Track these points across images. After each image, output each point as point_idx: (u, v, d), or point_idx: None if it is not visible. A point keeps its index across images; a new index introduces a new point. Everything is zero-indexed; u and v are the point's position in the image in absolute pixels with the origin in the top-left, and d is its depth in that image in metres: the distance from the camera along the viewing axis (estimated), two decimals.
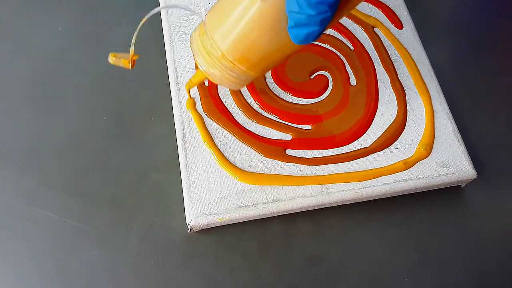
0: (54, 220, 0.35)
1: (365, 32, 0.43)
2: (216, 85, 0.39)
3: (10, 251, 0.34)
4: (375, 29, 0.43)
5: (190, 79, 0.35)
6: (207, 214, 0.34)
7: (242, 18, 0.27)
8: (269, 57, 0.29)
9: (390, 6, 0.45)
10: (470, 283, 0.36)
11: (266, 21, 0.27)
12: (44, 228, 0.35)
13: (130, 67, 0.32)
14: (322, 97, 0.40)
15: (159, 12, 0.43)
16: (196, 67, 0.31)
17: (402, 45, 0.43)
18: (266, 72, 0.32)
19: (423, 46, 0.43)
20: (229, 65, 0.30)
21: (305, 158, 0.37)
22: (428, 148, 0.38)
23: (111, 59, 0.31)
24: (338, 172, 0.36)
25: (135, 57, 0.32)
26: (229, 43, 0.29)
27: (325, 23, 0.25)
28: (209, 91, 0.38)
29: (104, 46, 0.43)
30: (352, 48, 0.42)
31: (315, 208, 0.36)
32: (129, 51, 0.41)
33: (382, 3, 0.45)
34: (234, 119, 0.38)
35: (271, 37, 0.28)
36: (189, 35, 0.34)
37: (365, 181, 0.36)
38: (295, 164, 0.36)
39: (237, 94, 0.39)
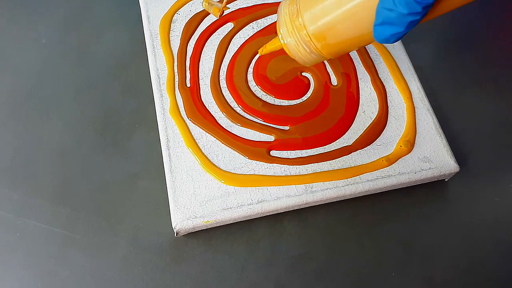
0: (42, 229, 0.35)
1: None
2: (199, 90, 0.40)
3: None
4: None
5: (265, 45, 0.36)
6: (192, 218, 0.34)
7: (335, 2, 0.29)
8: (344, 43, 0.31)
9: None
10: (457, 276, 0.36)
11: (357, 12, 0.28)
12: (33, 238, 0.35)
13: (218, 16, 0.34)
14: (304, 98, 0.40)
15: (141, 21, 0.43)
16: (276, 35, 0.34)
17: (382, 44, 0.43)
18: (336, 56, 0.33)
19: (403, 44, 0.44)
20: (306, 38, 0.31)
21: (289, 158, 0.37)
22: (408, 144, 0.38)
23: (204, 4, 0.34)
24: (322, 171, 0.37)
25: (225, 8, 0.34)
26: (314, 19, 0.30)
27: (411, 26, 0.26)
28: (191, 97, 0.39)
29: (88, 58, 0.43)
30: None
31: (300, 207, 0.36)
32: (116, 64, 0.42)
33: None
34: (218, 122, 0.38)
35: (354, 27, 0.29)
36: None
37: (348, 179, 0.36)
38: (278, 164, 0.37)
39: (220, 99, 0.39)
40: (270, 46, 0.36)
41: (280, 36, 0.33)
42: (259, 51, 0.37)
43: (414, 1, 0.24)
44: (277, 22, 0.33)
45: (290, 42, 0.32)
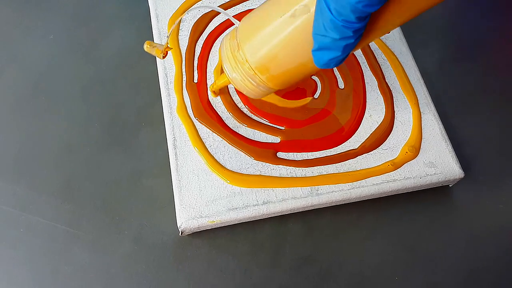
0: (46, 225, 0.35)
1: None
2: (206, 90, 0.40)
3: (2, 257, 0.34)
4: None
5: (215, 81, 0.36)
6: (197, 217, 0.34)
7: (272, 31, 0.28)
8: (289, 73, 0.30)
9: None
10: (460, 281, 0.36)
11: (293, 39, 0.28)
12: (36, 234, 0.35)
13: (162, 58, 0.34)
14: (311, 100, 0.40)
15: (150, 19, 0.43)
16: (222, 71, 0.32)
17: (390, 49, 0.44)
18: (284, 87, 0.32)
19: (410, 50, 0.44)
20: (250, 72, 0.31)
21: (295, 160, 0.37)
22: (414, 150, 0.38)
23: (146, 46, 0.34)
24: (327, 174, 0.37)
25: (168, 49, 0.33)
26: (253, 51, 0.30)
27: (348, 50, 0.26)
28: (199, 97, 0.39)
29: (95, 55, 0.43)
30: None
31: (305, 209, 0.36)
32: (124, 62, 0.43)
33: None
34: (224, 123, 0.38)
35: (294, 55, 0.29)
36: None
37: (354, 182, 0.36)
38: (285, 166, 0.37)
39: (227, 99, 0.39)
40: (219, 82, 0.36)
41: (225, 72, 0.32)
42: (210, 87, 0.38)
43: (342, 26, 0.24)
44: (220, 56, 0.32)
45: (236, 77, 0.32)
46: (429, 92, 0.41)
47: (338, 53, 0.26)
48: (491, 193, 0.40)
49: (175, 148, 0.37)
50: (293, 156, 0.37)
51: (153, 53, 0.33)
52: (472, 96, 0.44)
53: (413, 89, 0.42)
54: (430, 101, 0.41)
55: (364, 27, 0.24)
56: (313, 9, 0.26)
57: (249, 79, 0.31)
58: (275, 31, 0.28)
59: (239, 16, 0.44)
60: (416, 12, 0.25)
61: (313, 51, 0.27)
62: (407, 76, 0.42)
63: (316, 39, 0.26)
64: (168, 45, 0.34)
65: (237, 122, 0.38)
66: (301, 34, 0.27)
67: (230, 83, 0.34)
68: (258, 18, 0.30)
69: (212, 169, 0.36)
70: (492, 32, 0.49)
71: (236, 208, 0.35)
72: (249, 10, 0.44)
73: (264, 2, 0.30)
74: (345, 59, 0.26)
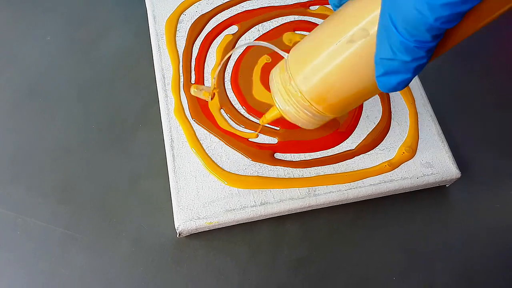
0: (43, 227, 0.35)
1: None
2: None
3: None
4: None
5: (265, 115, 0.34)
6: (195, 219, 0.34)
7: (327, 60, 0.27)
8: (347, 100, 0.28)
9: None
10: (457, 281, 0.36)
11: (352, 66, 0.26)
12: (33, 236, 0.35)
13: (210, 99, 0.34)
14: None
15: (147, 20, 0.43)
16: (273, 104, 0.32)
17: None
18: (342, 114, 0.31)
19: None
20: (305, 104, 0.29)
21: (292, 161, 0.37)
22: (410, 150, 0.38)
23: (193, 90, 0.34)
24: (325, 174, 0.37)
25: (216, 90, 0.33)
26: (308, 82, 0.28)
27: (419, 70, 0.23)
28: (196, 98, 0.39)
29: (92, 56, 0.43)
30: None
31: (303, 210, 0.36)
32: (121, 63, 0.43)
33: None
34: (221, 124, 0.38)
35: (354, 82, 0.27)
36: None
37: (351, 183, 0.37)
38: (282, 167, 0.37)
39: (224, 100, 0.39)
40: (269, 115, 0.34)
41: (277, 105, 0.31)
42: (260, 121, 0.35)
43: (414, 47, 0.21)
44: (271, 90, 0.31)
45: (289, 110, 0.30)
46: (425, 93, 0.42)
47: (408, 75, 0.23)
48: (488, 193, 0.40)
49: (172, 150, 0.37)
50: (291, 157, 0.37)
51: (201, 95, 0.34)
52: (469, 96, 0.45)
53: (410, 89, 0.42)
54: (427, 101, 0.41)
55: (436, 44, 0.22)
56: (372, 31, 0.24)
57: (304, 110, 0.29)
58: (330, 58, 0.26)
59: (238, 16, 0.44)
60: (490, 19, 0.22)
61: (378, 76, 0.24)
62: None
63: (381, 63, 0.23)
64: (215, 87, 0.34)
65: (234, 123, 0.38)
66: (361, 59, 0.25)
67: (281, 116, 0.32)
68: (310, 47, 0.28)
69: (209, 170, 0.36)
70: (490, 32, 0.49)
71: (234, 209, 0.35)
72: (247, 11, 0.44)
73: (314, 29, 0.28)
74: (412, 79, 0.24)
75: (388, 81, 0.24)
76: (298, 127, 0.39)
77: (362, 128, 0.39)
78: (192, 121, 0.38)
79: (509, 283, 0.36)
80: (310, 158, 0.37)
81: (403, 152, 0.38)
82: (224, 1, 0.44)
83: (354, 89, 0.27)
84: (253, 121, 0.39)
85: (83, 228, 0.35)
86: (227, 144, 0.37)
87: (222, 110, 0.38)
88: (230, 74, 0.41)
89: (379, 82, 0.25)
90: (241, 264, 0.35)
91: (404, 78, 0.24)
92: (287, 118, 0.31)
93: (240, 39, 0.43)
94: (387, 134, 0.39)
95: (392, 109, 0.41)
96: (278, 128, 0.39)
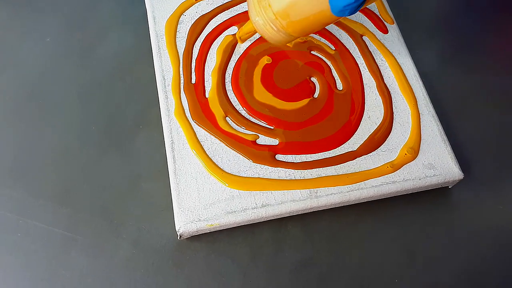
0: (43, 230, 0.35)
1: (351, 38, 0.44)
2: (204, 92, 0.39)
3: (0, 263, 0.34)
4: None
5: (242, 28, 0.40)
6: (196, 221, 0.34)
7: None
8: (307, 20, 0.33)
9: (375, 12, 0.45)
10: (460, 283, 0.36)
11: None
12: (34, 238, 0.35)
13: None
14: (309, 102, 0.40)
15: (147, 22, 0.43)
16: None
17: (388, 50, 0.43)
18: (302, 34, 0.35)
19: (408, 50, 0.44)
20: (272, 17, 0.34)
21: (293, 162, 0.37)
22: (413, 151, 0.38)
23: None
24: (326, 176, 0.36)
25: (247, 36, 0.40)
26: None
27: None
28: (197, 99, 0.39)
29: (92, 57, 0.43)
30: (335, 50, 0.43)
31: (305, 212, 0.36)
32: (121, 65, 0.42)
33: (367, 8, 0.46)
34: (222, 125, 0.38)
35: (313, 2, 0.32)
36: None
37: (353, 184, 0.36)
38: (283, 168, 0.37)
39: (224, 102, 0.39)
40: (245, 28, 0.39)
41: (250, 15, 0.36)
42: (236, 34, 0.40)
43: None
44: (247, 2, 0.36)
45: (259, 21, 0.35)
46: (427, 93, 0.41)
47: (352, 0, 0.28)
48: (490, 194, 0.40)
49: (173, 151, 0.36)
50: (292, 159, 0.37)
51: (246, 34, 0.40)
52: (471, 97, 0.44)
53: (412, 90, 0.41)
54: (429, 102, 0.41)
55: None
56: None
57: (271, 24, 0.34)
58: None
59: (238, 17, 0.43)
60: None
61: None
62: (405, 77, 0.42)
63: None
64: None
65: (235, 124, 0.38)
66: None
67: (254, 29, 0.37)
68: None
69: (210, 172, 0.36)
70: (491, 32, 0.49)
71: (235, 211, 0.35)
72: (247, 12, 0.44)
73: None
74: (359, 7, 0.29)
75: (337, 4, 0.29)
76: (299, 127, 0.39)
77: (363, 129, 0.39)
78: (192, 123, 0.38)
79: None
80: (312, 160, 0.37)
81: (405, 154, 0.38)
82: (224, 2, 0.44)
83: (313, 10, 0.32)
84: (254, 123, 0.38)
85: (83, 230, 0.35)
86: (228, 146, 0.37)
87: (227, 118, 0.39)
88: (230, 76, 0.41)
89: (330, 3, 0.30)
90: (242, 266, 0.35)
91: (350, 2, 0.29)
92: (257, 30, 0.36)
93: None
94: (389, 135, 0.39)
95: (394, 110, 0.40)
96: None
